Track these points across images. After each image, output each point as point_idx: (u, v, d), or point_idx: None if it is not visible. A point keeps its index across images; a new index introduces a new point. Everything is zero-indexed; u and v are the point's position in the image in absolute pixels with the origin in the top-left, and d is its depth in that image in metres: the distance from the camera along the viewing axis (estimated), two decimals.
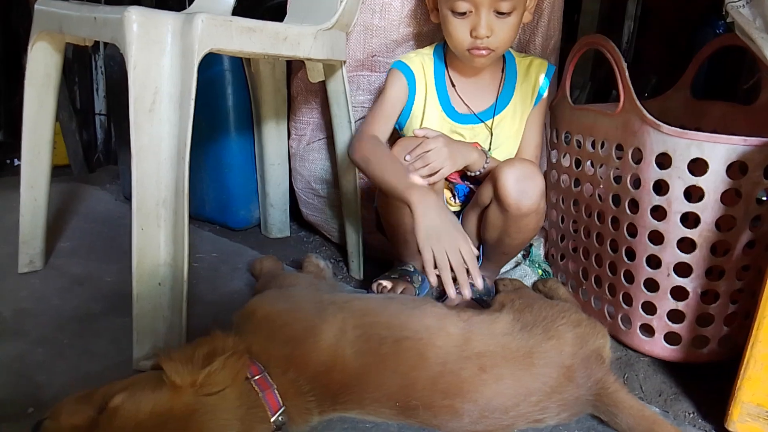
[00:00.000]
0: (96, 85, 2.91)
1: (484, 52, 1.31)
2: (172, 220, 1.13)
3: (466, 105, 1.44)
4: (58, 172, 2.64)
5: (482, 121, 1.44)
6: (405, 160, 1.28)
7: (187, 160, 1.09)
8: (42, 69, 1.39)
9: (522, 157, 1.46)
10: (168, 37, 1.06)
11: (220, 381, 0.91)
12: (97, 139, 2.97)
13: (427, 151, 1.27)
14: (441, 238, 1.13)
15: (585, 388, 1.03)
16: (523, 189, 1.28)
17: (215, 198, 1.94)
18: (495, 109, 1.44)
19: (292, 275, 1.42)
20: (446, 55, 1.45)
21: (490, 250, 1.47)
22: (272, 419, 0.96)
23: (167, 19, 1.06)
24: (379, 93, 1.47)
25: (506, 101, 1.45)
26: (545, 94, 1.46)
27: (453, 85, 1.43)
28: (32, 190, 1.47)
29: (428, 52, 1.47)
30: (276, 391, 0.98)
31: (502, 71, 1.46)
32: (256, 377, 0.97)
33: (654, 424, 1.01)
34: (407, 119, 1.46)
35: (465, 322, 1.10)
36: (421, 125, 1.43)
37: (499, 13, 1.26)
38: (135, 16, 1.03)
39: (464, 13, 1.27)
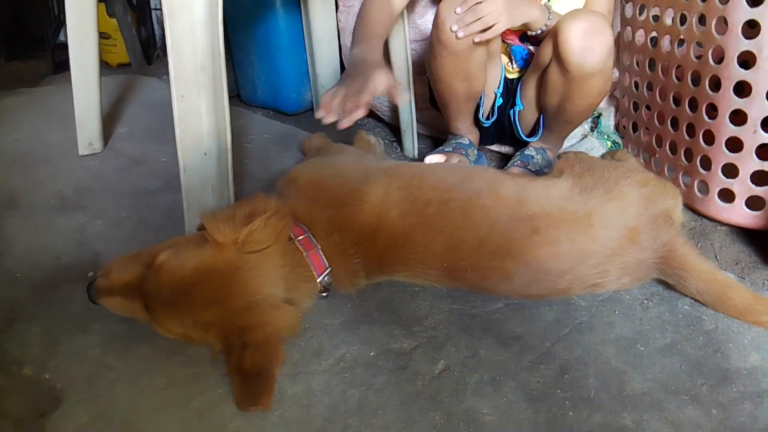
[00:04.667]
0: None
1: None
2: (211, 88, 1.09)
3: None
4: (120, 70, 2.70)
5: None
6: (455, 12, 1.16)
7: (220, 21, 1.03)
8: None
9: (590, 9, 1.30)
10: None
11: (263, 239, 0.89)
12: (155, 34, 2.96)
13: (480, 2, 1.14)
14: (355, 75, 1.04)
15: (650, 250, 0.96)
16: (588, 45, 1.14)
17: (266, 81, 1.89)
18: None
19: (339, 146, 1.37)
20: None
21: (551, 118, 1.35)
22: (318, 279, 0.95)
23: None
24: None
25: None
26: None
27: None
28: (83, 71, 1.47)
29: None
30: (321, 252, 0.96)
31: None
32: (300, 237, 0.95)
33: (727, 287, 0.93)
34: None
35: (519, 186, 1.03)
36: None
37: None
38: None
39: None
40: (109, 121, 1.77)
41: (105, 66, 2.90)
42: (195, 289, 0.85)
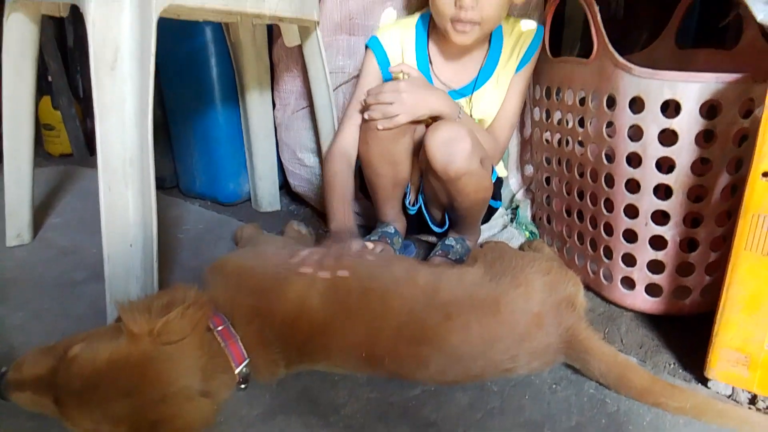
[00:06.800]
0: None
1: (467, 27, 1.25)
2: (139, 180, 1.13)
3: (444, 84, 1.41)
4: (61, 160, 2.70)
5: (462, 96, 1.41)
6: (366, 101, 1.27)
7: (150, 118, 1.08)
8: (17, 36, 1.39)
9: (495, 125, 1.44)
10: None
11: (179, 330, 0.90)
12: None
13: (384, 92, 1.24)
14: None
15: (555, 335, 1.01)
16: (450, 152, 1.23)
17: (204, 172, 1.94)
18: (475, 85, 1.41)
19: (268, 236, 1.41)
20: (431, 27, 1.40)
21: (449, 212, 1.45)
22: (236, 371, 0.96)
23: None
24: (359, 74, 1.45)
25: (488, 75, 1.41)
26: (532, 59, 1.40)
27: (431, 62, 1.40)
28: (15, 160, 1.48)
29: (411, 21, 1.42)
30: (240, 343, 0.97)
31: (488, 44, 1.40)
32: (219, 328, 0.97)
33: (627, 369, 0.99)
34: None
35: (434, 275, 1.08)
36: None
37: None
38: None
39: None
40: (42, 211, 1.77)
41: (47, 156, 2.91)
42: (107, 381, 0.84)
